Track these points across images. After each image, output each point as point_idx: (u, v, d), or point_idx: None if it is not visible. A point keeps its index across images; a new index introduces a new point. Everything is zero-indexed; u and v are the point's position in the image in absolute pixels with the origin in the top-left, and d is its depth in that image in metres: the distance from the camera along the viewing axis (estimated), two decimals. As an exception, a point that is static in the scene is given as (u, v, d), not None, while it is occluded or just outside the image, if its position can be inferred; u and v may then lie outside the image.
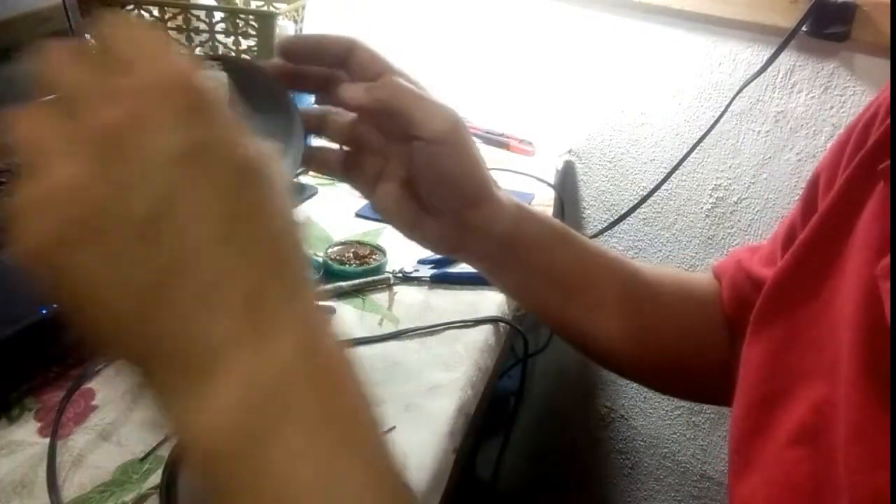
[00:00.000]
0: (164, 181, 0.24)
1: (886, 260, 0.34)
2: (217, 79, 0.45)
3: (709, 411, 1.23)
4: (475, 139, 0.46)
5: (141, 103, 0.24)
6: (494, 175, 0.48)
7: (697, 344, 0.55)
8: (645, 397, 1.30)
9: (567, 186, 1.23)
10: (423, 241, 0.49)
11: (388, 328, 0.67)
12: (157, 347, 0.24)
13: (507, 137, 1.12)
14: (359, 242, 0.79)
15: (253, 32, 1.04)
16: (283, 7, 1.09)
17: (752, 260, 0.54)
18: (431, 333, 0.66)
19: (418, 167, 0.45)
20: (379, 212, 0.48)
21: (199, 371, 0.24)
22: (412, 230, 0.48)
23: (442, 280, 0.74)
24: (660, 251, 1.20)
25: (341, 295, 0.71)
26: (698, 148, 1.07)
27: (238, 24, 1.04)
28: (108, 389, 0.56)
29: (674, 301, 0.55)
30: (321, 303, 0.28)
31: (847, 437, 0.34)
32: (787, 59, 0.98)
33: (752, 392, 0.43)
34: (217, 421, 0.24)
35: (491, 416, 0.73)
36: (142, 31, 0.26)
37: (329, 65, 0.45)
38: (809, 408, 0.38)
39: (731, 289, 0.55)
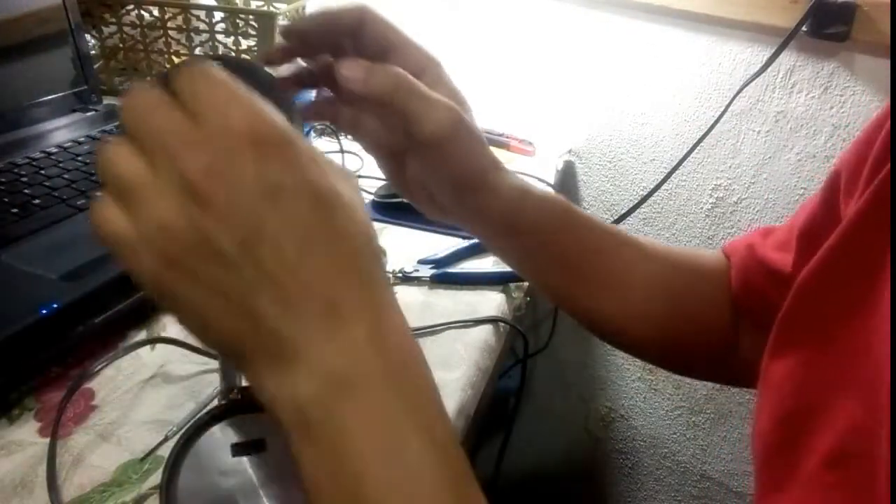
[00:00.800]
0: (249, 218, 0.27)
1: None
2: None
3: (709, 411, 1.23)
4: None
5: (221, 149, 0.27)
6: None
7: (701, 321, 0.55)
8: (645, 397, 1.30)
9: (567, 186, 1.23)
10: (424, 212, 0.50)
11: (388, 328, 0.67)
12: (252, 344, 0.29)
13: (508, 137, 1.12)
14: (359, 242, 0.79)
15: (253, 32, 1.04)
16: (283, 7, 1.09)
17: (766, 245, 0.53)
18: (431, 333, 0.66)
19: (414, 159, 0.45)
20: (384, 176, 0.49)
21: (287, 360, 0.28)
22: (411, 200, 0.49)
23: (442, 280, 0.74)
24: (660, 251, 1.20)
25: (341, 295, 0.71)
26: (698, 148, 1.07)
27: (238, 24, 1.04)
28: (108, 389, 0.56)
29: (678, 278, 0.55)
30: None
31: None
32: (787, 59, 0.98)
33: (781, 404, 0.41)
34: (300, 393, 0.28)
35: (491, 416, 0.73)
36: (214, 79, 0.28)
37: (337, 43, 0.44)
38: (845, 427, 0.36)
39: (741, 271, 0.54)
